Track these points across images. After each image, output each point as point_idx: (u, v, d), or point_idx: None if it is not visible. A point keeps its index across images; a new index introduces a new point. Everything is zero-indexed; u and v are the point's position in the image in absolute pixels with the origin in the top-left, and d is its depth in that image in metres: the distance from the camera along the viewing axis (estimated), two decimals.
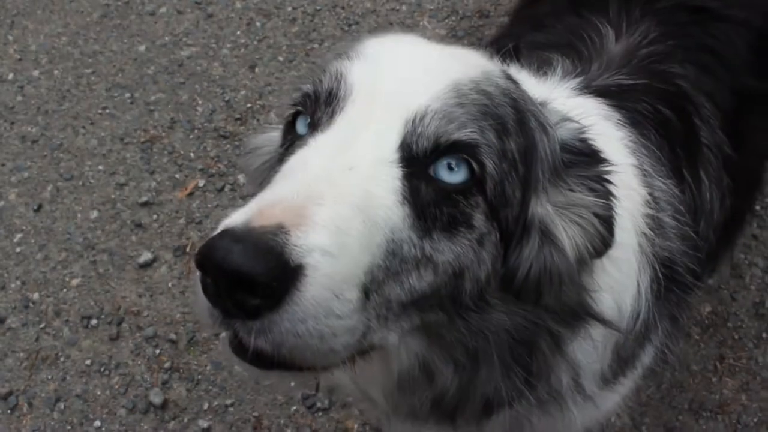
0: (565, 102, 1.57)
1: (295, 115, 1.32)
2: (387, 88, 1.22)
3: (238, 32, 4.17)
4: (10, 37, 4.22)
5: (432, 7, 4.23)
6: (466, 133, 1.19)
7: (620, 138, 1.65)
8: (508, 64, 1.69)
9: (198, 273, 1.05)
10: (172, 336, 3.06)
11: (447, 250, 1.19)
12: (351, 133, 1.17)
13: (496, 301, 1.31)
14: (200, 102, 3.86)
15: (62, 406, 2.91)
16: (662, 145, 1.74)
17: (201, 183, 3.53)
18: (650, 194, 1.60)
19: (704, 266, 2.10)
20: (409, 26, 4.14)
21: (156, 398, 2.89)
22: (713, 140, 1.88)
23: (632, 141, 1.67)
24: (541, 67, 1.76)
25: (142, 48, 4.12)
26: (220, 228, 1.05)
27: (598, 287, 1.42)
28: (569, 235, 1.32)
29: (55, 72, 4.04)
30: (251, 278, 0.96)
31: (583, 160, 1.35)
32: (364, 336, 1.13)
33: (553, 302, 1.35)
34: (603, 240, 1.34)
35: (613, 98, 1.72)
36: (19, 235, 3.40)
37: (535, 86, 1.60)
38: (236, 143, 3.67)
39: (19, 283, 3.25)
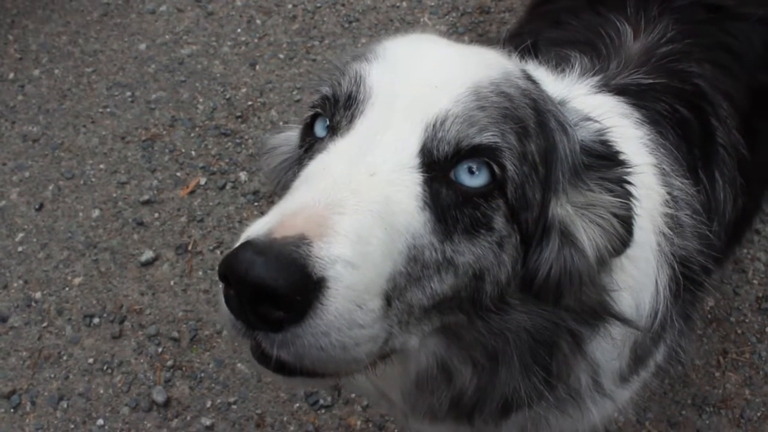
0: (584, 100, 1.56)
1: (314, 117, 1.31)
2: (407, 92, 1.21)
3: (239, 30, 4.16)
4: (11, 37, 4.22)
5: (432, 4, 4.22)
6: (488, 137, 1.19)
7: (639, 137, 1.65)
8: (526, 61, 1.69)
9: (221, 285, 1.05)
10: (175, 334, 3.06)
11: (468, 252, 1.19)
12: (371, 137, 1.17)
13: (516, 302, 1.31)
14: (201, 100, 3.86)
15: (65, 405, 2.91)
16: (680, 145, 1.74)
17: (202, 181, 3.53)
18: (669, 193, 1.60)
19: (718, 265, 2.10)
20: (409, 23, 4.13)
21: (159, 396, 2.89)
22: (729, 141, 1.88)
23: (651, 140, 1.66)
24: (559, 65, 1.76)
25: (142, 46, 4.12)
26: (242, 238, 1.04)
27: (618, 286, 1.42)
28: (589, 236, 1.31)
29: (56, 71, 4.04)
30: (274, 291, 0.96)
31: (603, 161, 1.34)
32: (386, 342, 1.13)
33: (573, 302, 1.35)
34: (622, 239, 1.34)
35: (631, 97, 1.71)
36: (20, 235, 3.41)
37: (554, 84, 1.60)
38: (237, 141, 3.67)
39: (21, 282, 3.26)
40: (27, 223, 3.44)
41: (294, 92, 3.84)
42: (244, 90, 3.88)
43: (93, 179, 3.58)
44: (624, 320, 1.42)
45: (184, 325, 3.08)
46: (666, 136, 1.71)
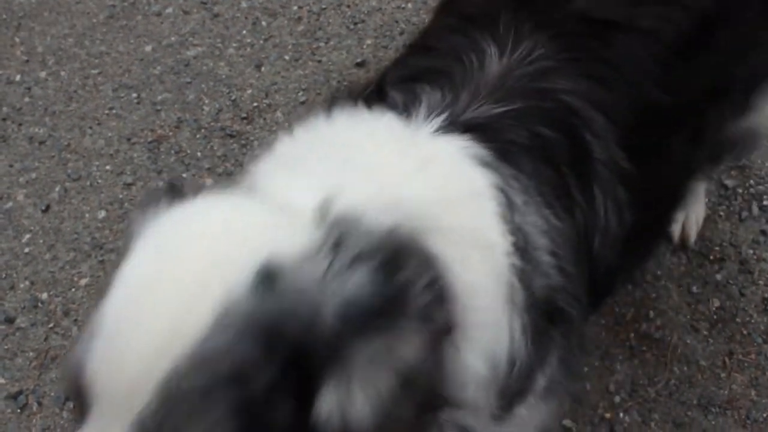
0: (424, 146, 1.47)
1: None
2: (113, 392, 1.11)
3: (244, 31, 4.17)
4: (17, 39, 4.24)
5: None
6: None
7: (482, 180, 1.47)
8: (373, 107, 1.57)
9: None
10: None
11: None
12: None
13: None
14: (207, 101, 3.87)
15: (71, 405, 2.92)
16: (542, 171, 1.60)
17: (208, 182, 3.54)
18: (519, 238, 1.47)
19: (607, 287, 2.02)
20: (414, 24, 4.13)
21: None
22: (607, 155, 1.73)
23: (500, 178, 1.49)
24: (408, 105, 1.57)
25: (148, 48, 4.13)
26: None
27: (456, 363, 1.28)
28: (380, 392, 1.12)
29: (62, 73, 4.06)
30: None
31: (385, 311, 1.13)
32: None
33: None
34: (439, 345, 1.20)
35: (480, 131, 1.53)
36: (27, 236, 3.42)
37: (395, 134, 1.48)
38: (243, 142, 3.68)
39: (27, 283, 3.27)
40: (33, 224, 3.46)
41: (299, 93, 3.85)
42: (249, 91, 3.89)
43: (99, 180, 3.59)
44: (462, 404, 1.30)
45: None
46: (521, 168, 1.55)
